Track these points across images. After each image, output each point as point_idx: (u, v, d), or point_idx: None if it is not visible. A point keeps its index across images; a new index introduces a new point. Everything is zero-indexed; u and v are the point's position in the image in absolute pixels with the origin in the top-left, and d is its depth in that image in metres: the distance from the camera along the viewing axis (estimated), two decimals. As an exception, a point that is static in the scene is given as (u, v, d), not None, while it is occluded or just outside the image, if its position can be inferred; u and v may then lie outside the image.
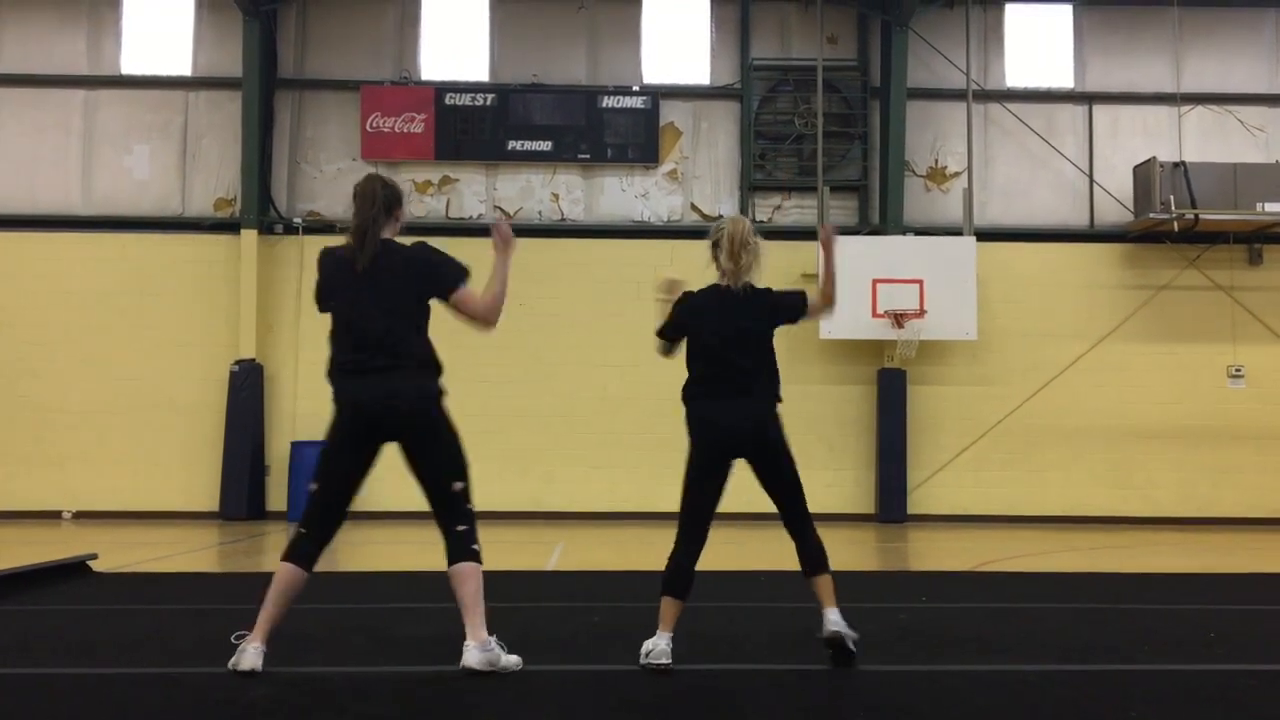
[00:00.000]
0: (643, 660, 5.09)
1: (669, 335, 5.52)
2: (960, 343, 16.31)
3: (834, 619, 5.14)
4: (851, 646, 5.13)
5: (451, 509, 4.99)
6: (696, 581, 5.21)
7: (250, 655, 4.83)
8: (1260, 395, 16.64)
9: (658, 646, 5.08)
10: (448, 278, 5.13)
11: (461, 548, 4.94)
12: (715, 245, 5.42)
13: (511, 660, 4.98)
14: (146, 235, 16.56)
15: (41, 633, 6.24)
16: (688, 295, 5.48)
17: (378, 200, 5.12)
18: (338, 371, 5.01)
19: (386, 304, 4.98)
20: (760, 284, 5.42)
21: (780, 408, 5.34)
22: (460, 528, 4.97)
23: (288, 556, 4.96)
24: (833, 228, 5.68)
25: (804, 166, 16.94)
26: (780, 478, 5.28)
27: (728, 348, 5.28)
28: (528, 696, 4.59)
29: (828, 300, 5.51)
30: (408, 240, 5.25)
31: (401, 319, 5.00)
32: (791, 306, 5.46)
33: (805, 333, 14.84)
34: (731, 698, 4.65)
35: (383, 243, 5.09)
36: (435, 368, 5.07)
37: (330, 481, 5.00)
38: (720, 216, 16.59)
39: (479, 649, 4.84)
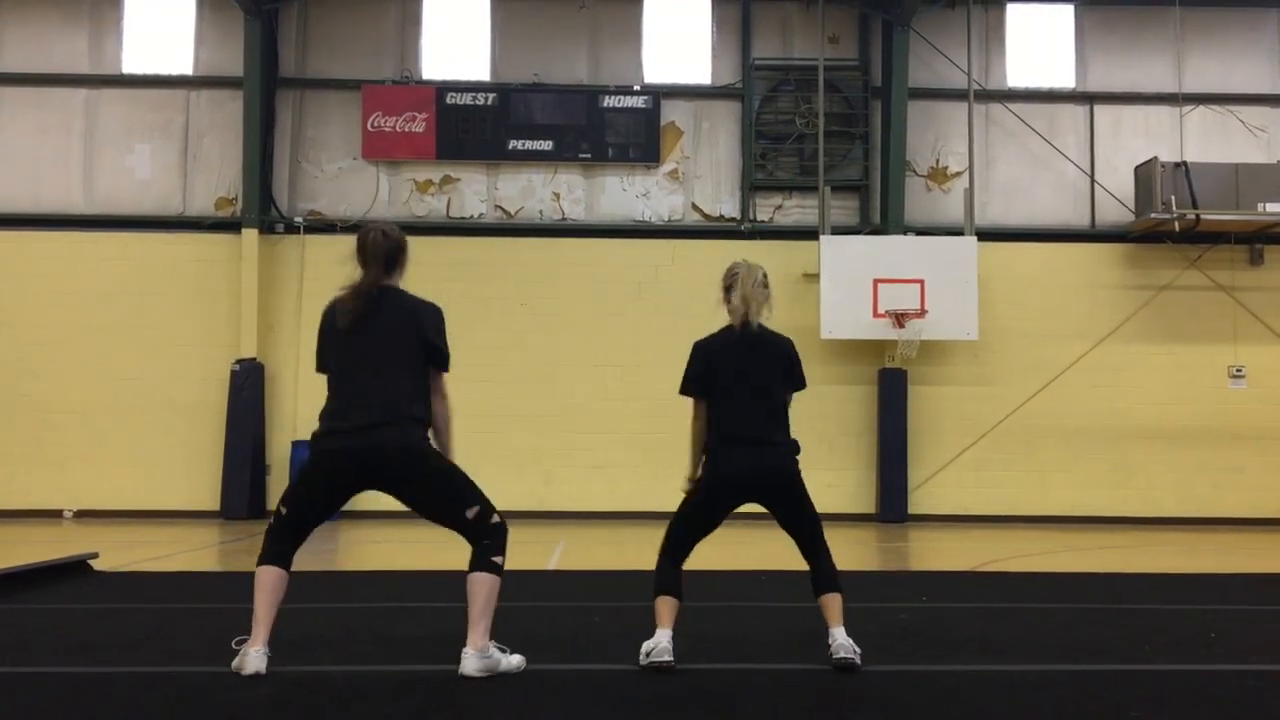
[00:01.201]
0: (644, 660, 5.09)
1: (694, 391, 5.40)
2: (961, 343, 16.31)
3: (840, 640, 5.09)
4: (858, 662, 5.10)
5: (474, 532, 4.97)
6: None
7: (254, 659, 4.82)
8: (1261, 395, 16.63)
9: (659, 644, 5.07)
10: (441, 358, 5.08)
11: (483, 559, 4.95)
12: (728, 290, 5.40)
13: (514, 661, 4.99)
14: (148, 234, 16.57)
15: (42, 632, 6.24)
16: (701, 344, 5.43)
17: (380, 255, 5.00)
18: (329, 426, 4.91)
19: (388, 358, 4.93)
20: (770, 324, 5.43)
21: (799, 456, 5.33)
22: (485, 542, 4.97)
23: (264, 560, 4.95)
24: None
25: (805, 166, 16.94)
26: (800, 520, 5.30)
27: (745, 391, 5.28)
28: (528, 696, 4.59)
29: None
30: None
31: (403, 373, 4.94)
32: (796, 382, 5.46)
33: (806, 333, 14.80)
34: (731, 698, 4.64)
35: (388, 293, 5.01)
36: (426, 423, 5.02)
37: (301, 514, 4.99)
38: (722, 217, 16.78)
39: (477, 656, 4.85)
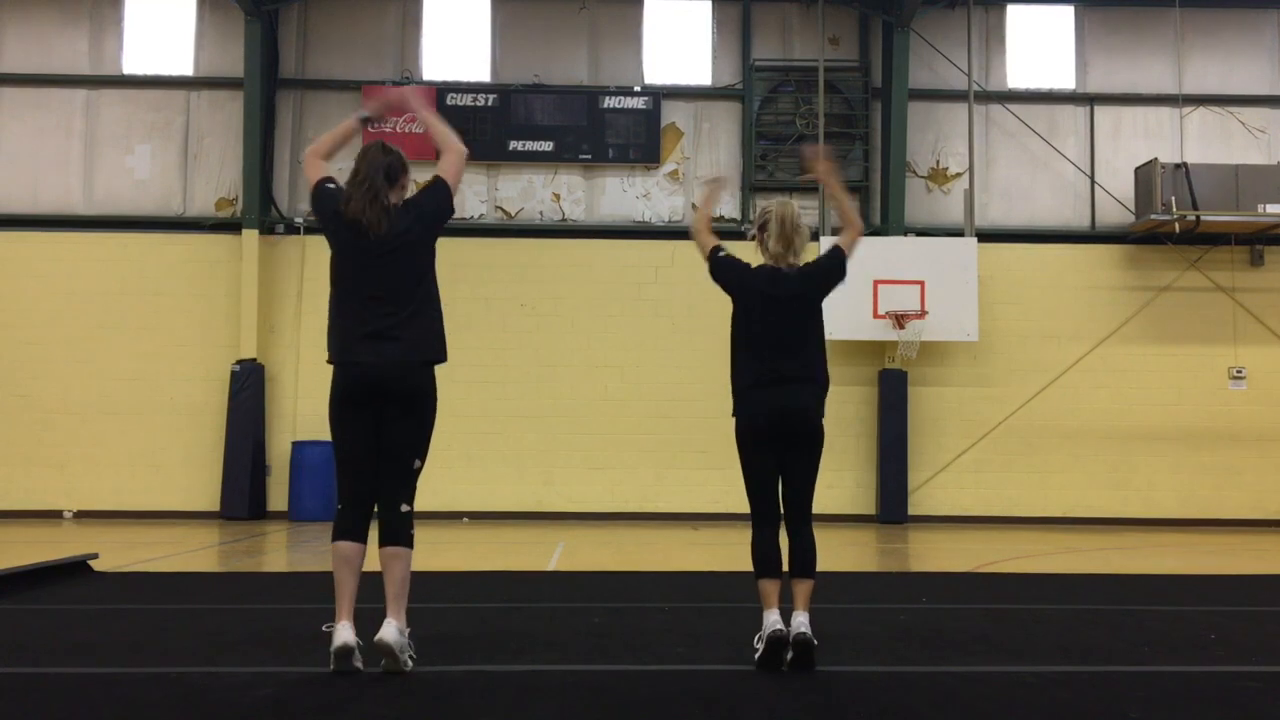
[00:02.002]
0: (761, 640, 5.09)
1: (715, 273, 5.49)
2: (961, 344, 16.31)
3: (802, 621, 5.09)
4: (814, 654, 5.09)
5: (405, 485, 5.04)
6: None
7: (342, 631, 4.85)
8: (1261, 397, 16.63)
9: (770, 619, 5.09)
10: (445, 204, 5.54)
11: (402, 531, 5.02)
12: (762, 229, 5.47)
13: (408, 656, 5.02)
14: (148, 235, 16.57)
15: (42, 632, 6.24)
16: (745, 265, 5.47)
17: (379, 166, 5.51)
18: (352, 337, 5.03)
19: (399, 272, 5.09)
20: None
21: (826, 395, 5.38)
22: (405, 508, 5.04)
23: (335, 536, 5.01)
24: (827, 153, 5.76)
25: (805, 167, 16.92)
26: (803, 468, 5.31)
27: (775, 333, 5.30)
28: (528, 696, 4.60)
29: (856, 230, 5.62)
30: None
31: (412, 285, 5.10)
32: (837, 265, 5.49)
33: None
34: (731, 698, 4.64)
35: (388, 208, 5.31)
36: (443, 342, 5.16)
37: (349, 459, 5.02)
38: (721, 218, 16.77)
39: (399, 629, 4.90)
